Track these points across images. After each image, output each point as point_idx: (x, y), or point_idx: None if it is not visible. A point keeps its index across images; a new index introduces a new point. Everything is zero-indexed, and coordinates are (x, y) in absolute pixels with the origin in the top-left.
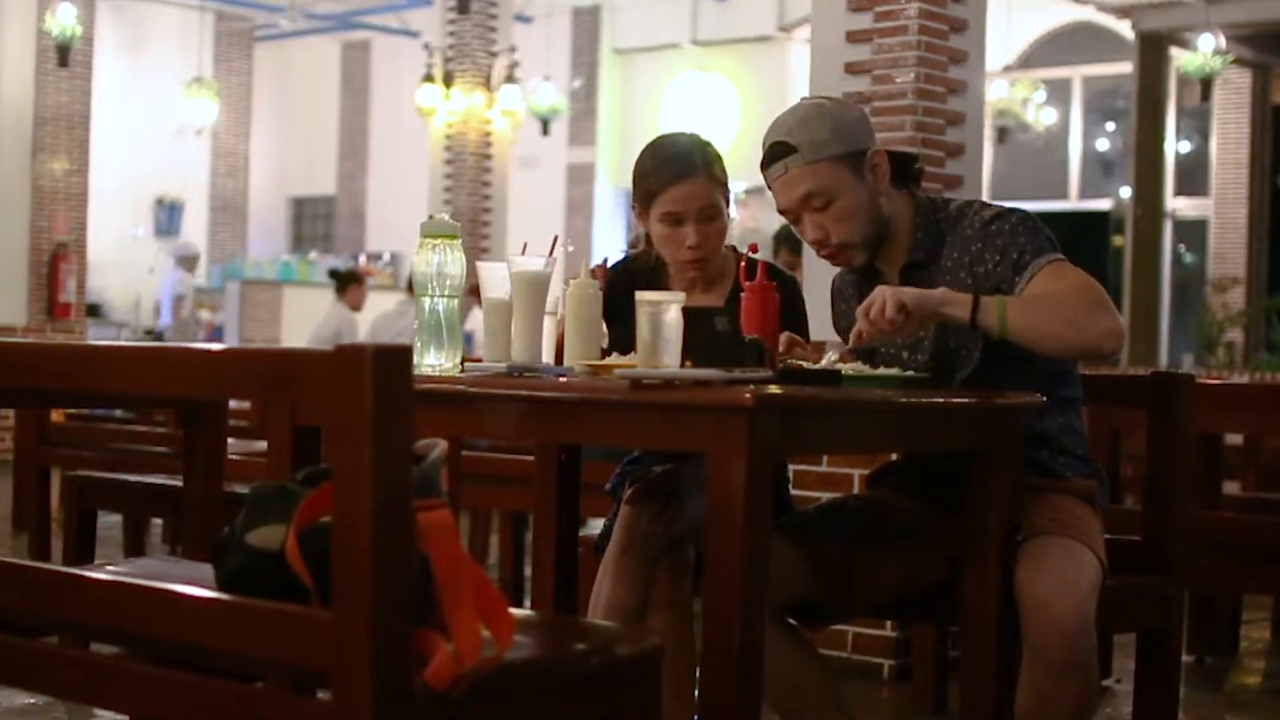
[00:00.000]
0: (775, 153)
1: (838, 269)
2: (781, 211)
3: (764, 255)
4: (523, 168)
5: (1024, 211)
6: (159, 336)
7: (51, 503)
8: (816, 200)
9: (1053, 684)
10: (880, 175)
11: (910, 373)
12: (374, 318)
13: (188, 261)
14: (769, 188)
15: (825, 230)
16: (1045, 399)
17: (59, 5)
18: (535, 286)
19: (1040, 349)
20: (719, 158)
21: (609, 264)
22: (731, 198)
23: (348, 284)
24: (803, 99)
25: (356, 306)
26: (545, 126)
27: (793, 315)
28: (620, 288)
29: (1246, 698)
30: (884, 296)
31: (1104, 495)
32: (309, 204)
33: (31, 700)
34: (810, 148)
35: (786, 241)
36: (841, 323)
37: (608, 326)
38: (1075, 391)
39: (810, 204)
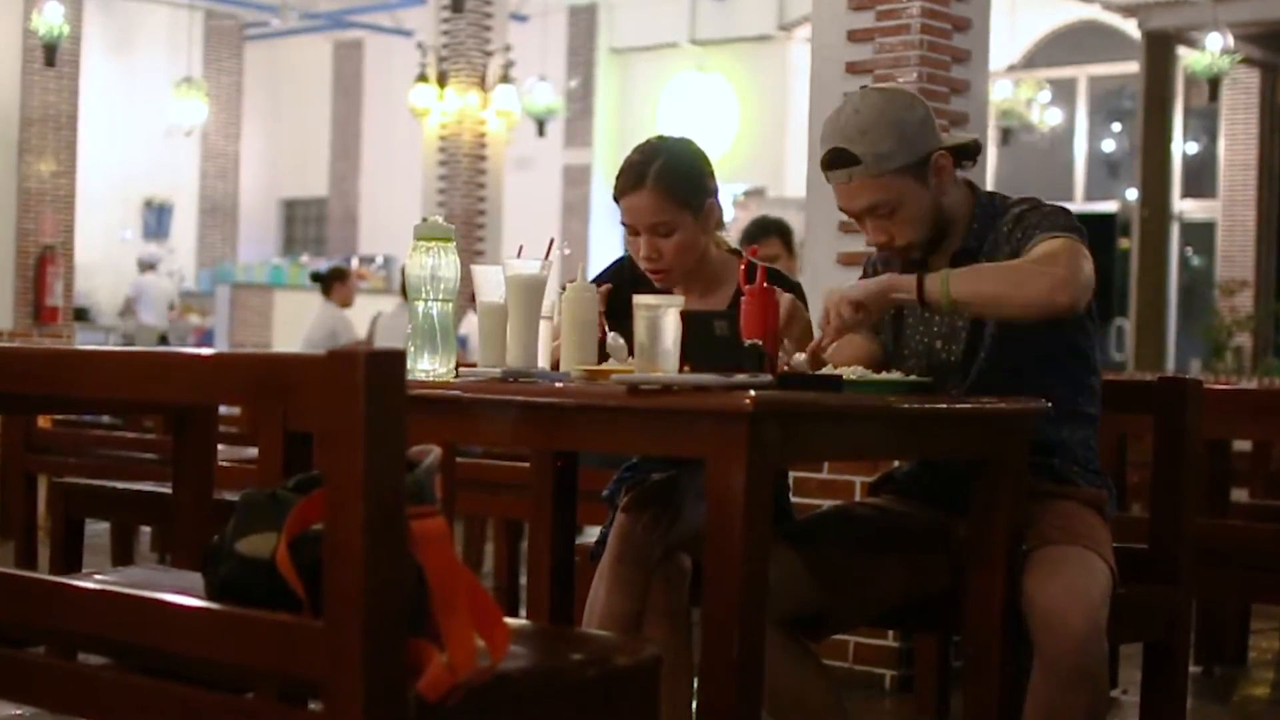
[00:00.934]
0: (837, 159)
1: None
2: (841, 209)
3: (745, 242)
4: (518, 169)
5: (1059, 206)
6: (163, 339)
7: (38, 510)
8: (881, 209)
9: (1063, 694)
10: (945, 176)
11: (913, 378)
12: (378, 319)
13: (143, 265)
14: (827, 181)
15: (889, 234)
16: (1056, 404)
17: (46, 4)
18: (531, 290)
19: (992, 315)
20: (688, 170)
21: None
22: (712, 207)
23: (332, 282)
24: (864, 90)
25: (346, 303)
26: (541, 127)
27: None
28: (625, 285)
29: (1255, 709)
30: (834, 303)
31: (1113, 506)
32: (300, 206)
33: (17, 711)
34: (875, 160)
35: (778, 232)
36: None
37: (619, 324)
38: (1096, 410)
39: (875, 213)
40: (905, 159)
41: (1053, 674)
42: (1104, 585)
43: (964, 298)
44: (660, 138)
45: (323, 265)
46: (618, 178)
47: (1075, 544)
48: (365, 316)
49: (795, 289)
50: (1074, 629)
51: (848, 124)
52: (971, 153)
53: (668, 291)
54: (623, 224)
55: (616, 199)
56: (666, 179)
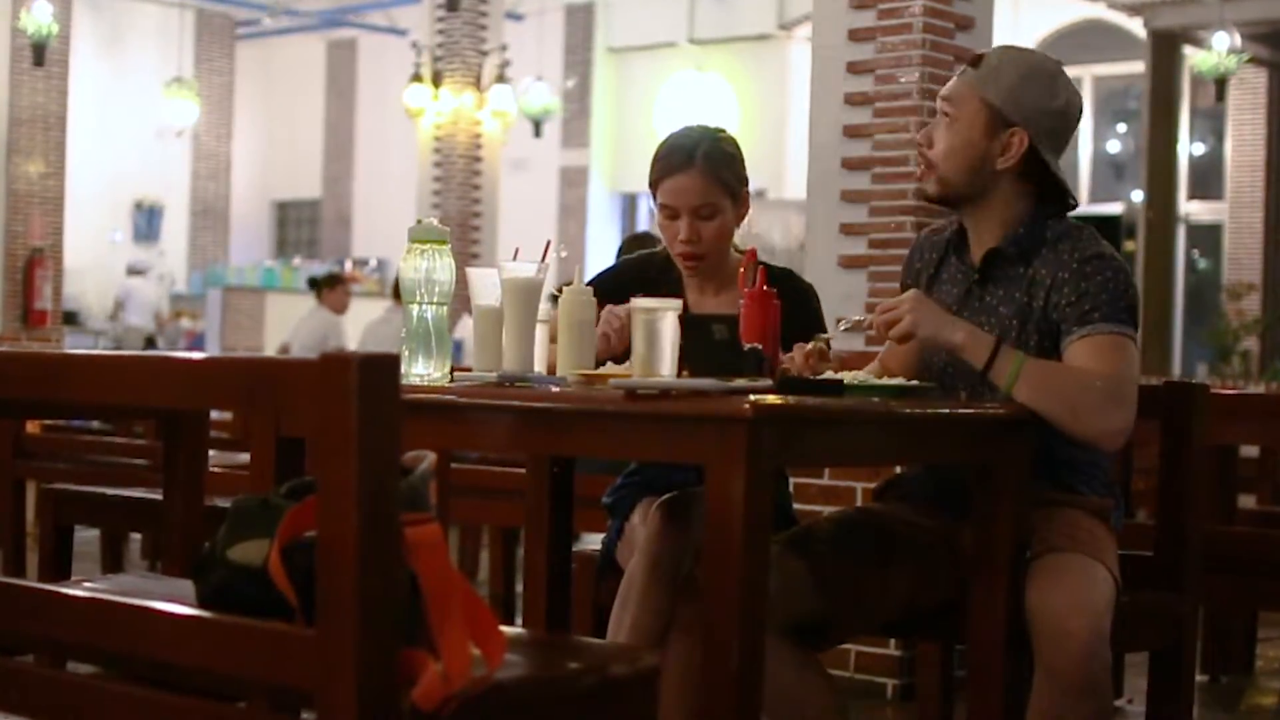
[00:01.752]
0: (973, 58)
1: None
2: (943, 93)
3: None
4: (514, 170)
5: (1124, 268)
6: (150, 343)
7: (27, 517)
8: (949, 109)
9: (1066, 705)
10: (1008, 153)
11: (915, 382)
12: (363, 327)
13: (132, 270)
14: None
15: (933, 140)
16: None
17: (34, 2)
18: (527, 293)
19: (1040, 417)
20: (730, 156)
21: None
22: (744, 197)
23: (325, 288)
24: (1051, 57)
25: (340, 309)
26: (537, 128)
27: (813, 323)
28: (631, 286)
29: (1262, 718)
30: (903, 315)
31: (1120, 515)
32: (293, 208)
33: None
34: (984, 76)
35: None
36: (908, 278)
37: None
38: None
39: (944, 108)
40: (1000, 101)
41: (1055, 684)
42: (1107, 594)
43: (1024, 396)
44: (698, 126)
45: (316, 268)
46: (660, 160)
47: (1078, 552)
48: (361, 322)
49: (806, 290)
50: (1076, 638)
51: (1008, 50)
52: (1054, 197)
53: (680, 294)
54: (662, 207)
55: (658, 181)
56: (714, 161)
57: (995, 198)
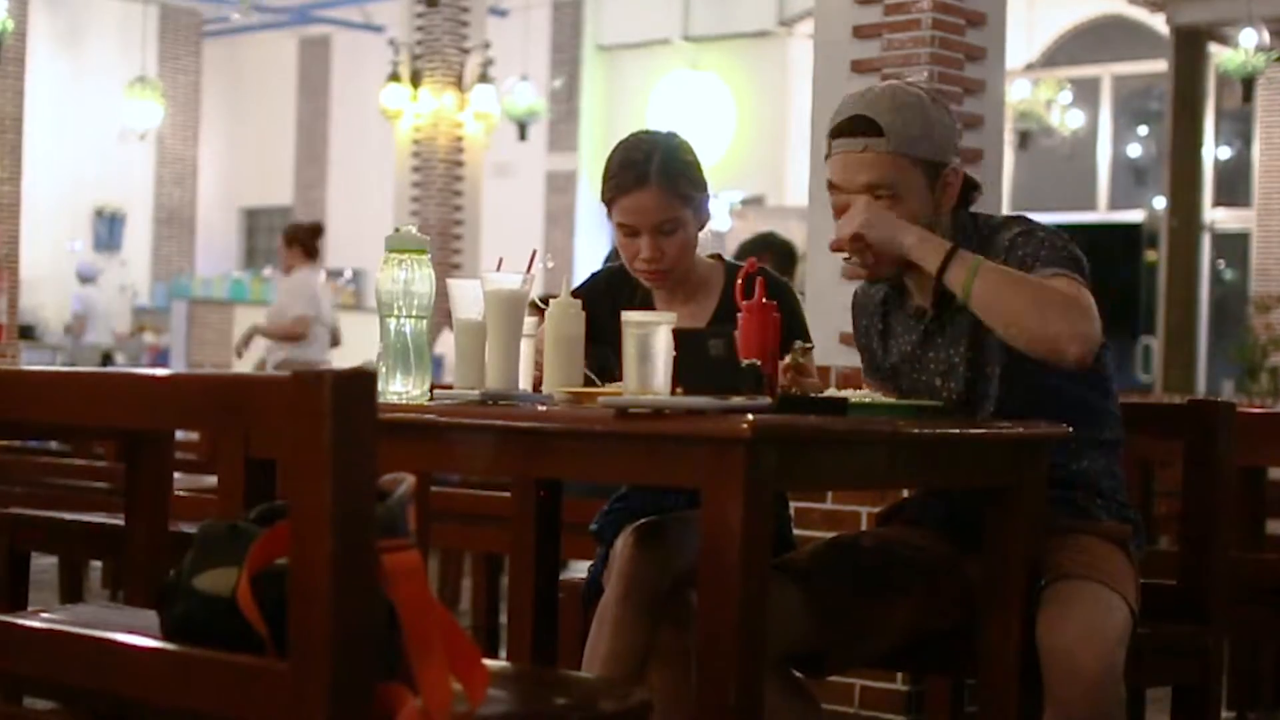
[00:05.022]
0: (858, 126)
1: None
2: (832, 186)
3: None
4: (498, 176)
5: (1055, 231)
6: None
7: None
8: (881, 192)
9: None
10: (950, 194)
11: (925, 401)
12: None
13: (83, 278)
14: (828, 156)
15: (872, 226)
16: (1075, 434)
17: None
18: (511, 306)
19: (998, 327)
20: (687, 165)
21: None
22: (704, 204)
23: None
24: (897, 83)
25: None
26: (522, 130)
27: (793, 324)
28: (601, 301)
29: None
30: (851, 218)
31: (1140, 541)
32: (263, 215)
33: None
34: (899, 138)
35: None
36: (861, 339)
37: (588, 346)
38: (1117, 434)
39: (872, 193)
40: (928, 153)
41: (1065, 718)
42: (1121, 625)
43: (983, 296)
44: (646, 131)
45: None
46: (613, 177)
47: (1091, 579)
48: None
49: (784, 289)
50: (1087, 671)
51: (879, 99)
52: (969, 199)
53: (650, 305)
54: (620, 225)
55: (612, 199)
56: (670, 174)
57: (935, 231)
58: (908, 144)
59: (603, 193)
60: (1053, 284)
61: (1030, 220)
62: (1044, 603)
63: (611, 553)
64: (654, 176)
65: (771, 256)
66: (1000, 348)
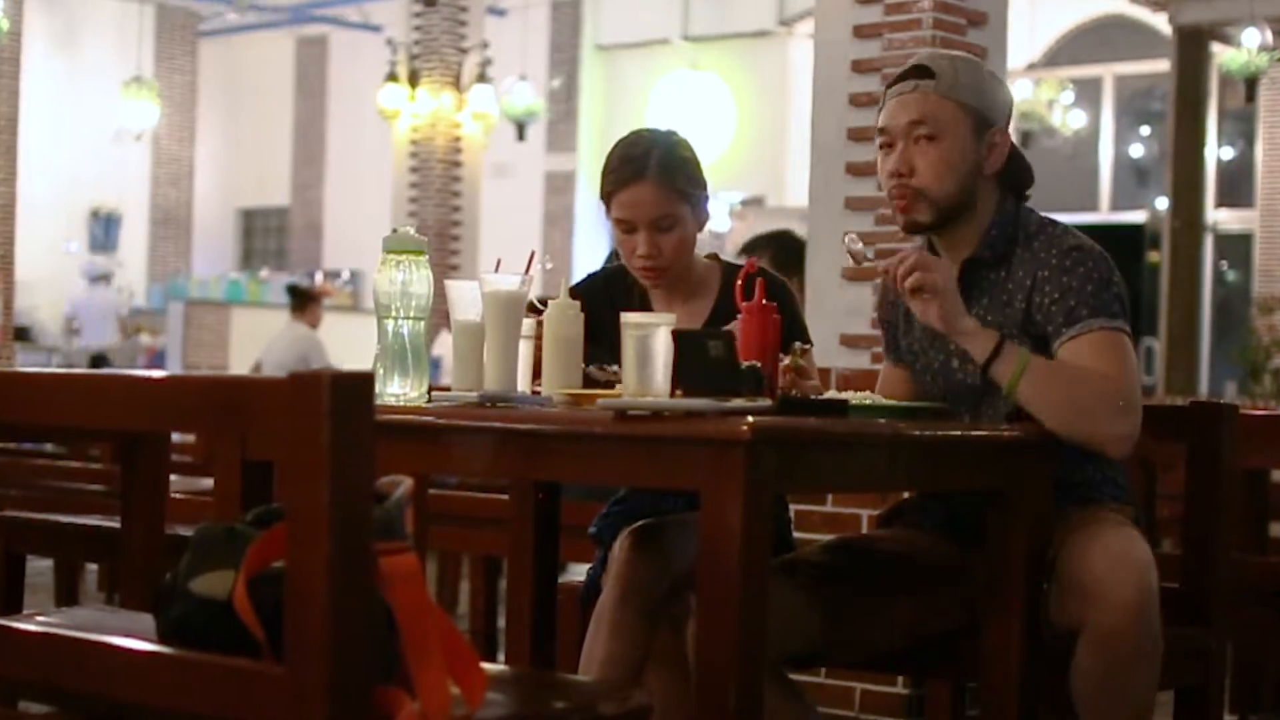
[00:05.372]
0: (912, 72)
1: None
2: (880, 130)
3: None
4: (496, 176)
5: (1106, 257)
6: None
7: None
8: (923, 130)
9: (1116, 671)
10: (995, 155)
11: (925, 402)
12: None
13: (92, 278)
14: (881, 106)
15: (912, 166)
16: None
17: None
18: (510, 307)
19: (1042, 421)
20: (686, 161)
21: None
22: (703, 203)
23: (308, 302)
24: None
25: (314, 325)
26: (521, 131)
27: (792, 326)
28: (598, 300)
29: None
30: (922, 279)
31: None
32: (260, 216)
33: None
34: (949, 82)
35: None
36: (886, 316)
37: (586, 346)
38: None
39: (914, 132)
40: (976, 101)
41: (1104, 650)
42: (1147, 552)
43: (1028, 394)
44: (647, 130)
45: (284, 280)
46: (612, 171)
47: (1106, 522)
48: (330, 337)
49: (782, 289)
50: (1126, 595)
51: (937, 53)
52: (1020, 184)
53: (647, 305)
54: (617, 221)
55: (610, 194)
56: (669, 169)
57: (977, 205)
58: (958, 89)
59: (601, 188)
60: (1096, 367)
61: (1077, 235)
62: (1066, 547)
63: (610, 555)
64: (651, 171)
65: (778, 252)
66: (1022, 337)
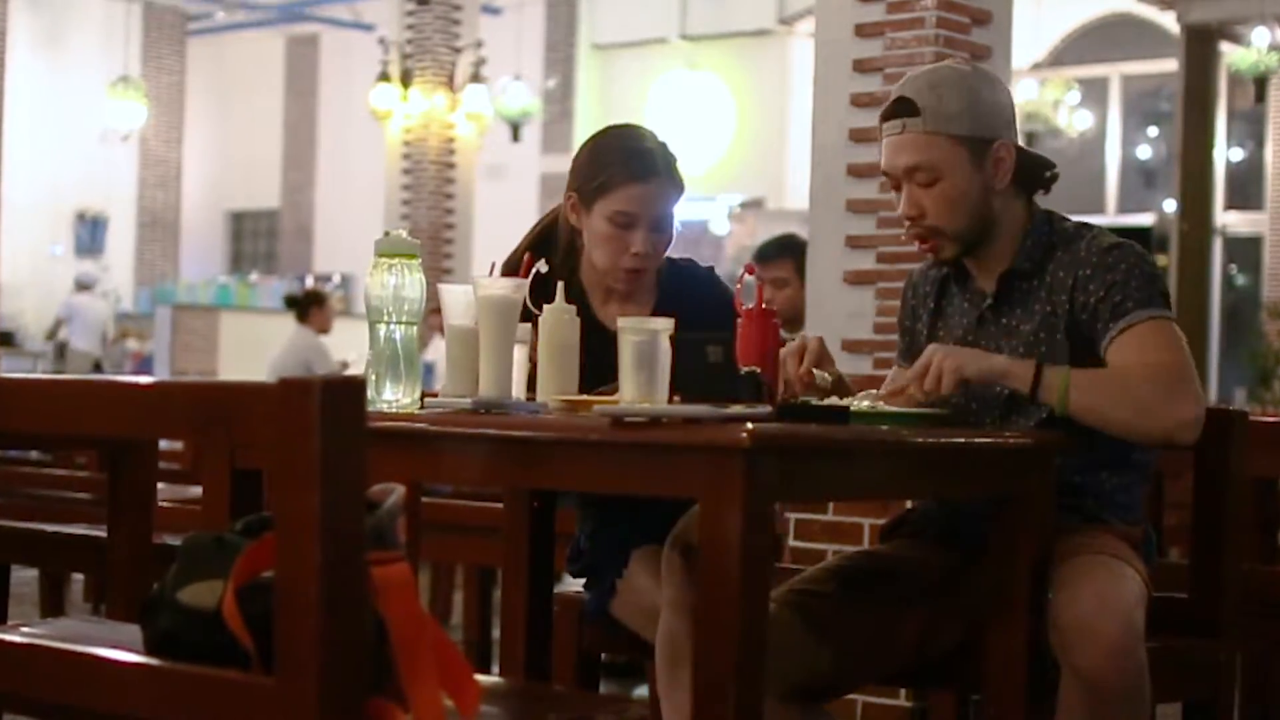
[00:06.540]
0: (897, 109)
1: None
2: (883, 172)
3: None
4: (490, 178)
5: (1146, 254)
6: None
7: None
8: (921, 175)
9: (1099, 712)
10: (1002, 170)
11: (930, 410)
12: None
13: (80, 284)
14: (879, 137)
15: (921, 208)
16: (1100, 452)
17: None
18: (504, 312)
19: (1106, 431)
20: (677, 163)
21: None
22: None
23: (309, 307)
24: (943, 63)
25: (324, 330)
26: (515, 131)
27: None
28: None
29: None
30: (941, 366)
31: (1151, 550)
32: (249, 219)
33: None
34: (934, 116)
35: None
36: (906, 320)
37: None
38: (1149, 455)
39: (914, 176)
40: (967, 129)
41: (1086, 690)
42: (1135, 590)
43: (1081, 408)
44: (627, 126)
45: (274, 285)
46: (617, 164)
47: (1101, 554)
48: (334, 343)
49: (708, 276)
50: (1108, 637)
51: (917, 79)
52: (1044, 181)
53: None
54: (615, 214)
55: (612, 188)
56: (673, 169)
57: (1001, 220)
58: (944, 121)
59: (602, 181)
60: (1145, 360)
61: (1113, 235)
62: (1056, 582)
63: (620, 583)
64: (663, 169)
65: (800, 257)
66: (1065, 340)
